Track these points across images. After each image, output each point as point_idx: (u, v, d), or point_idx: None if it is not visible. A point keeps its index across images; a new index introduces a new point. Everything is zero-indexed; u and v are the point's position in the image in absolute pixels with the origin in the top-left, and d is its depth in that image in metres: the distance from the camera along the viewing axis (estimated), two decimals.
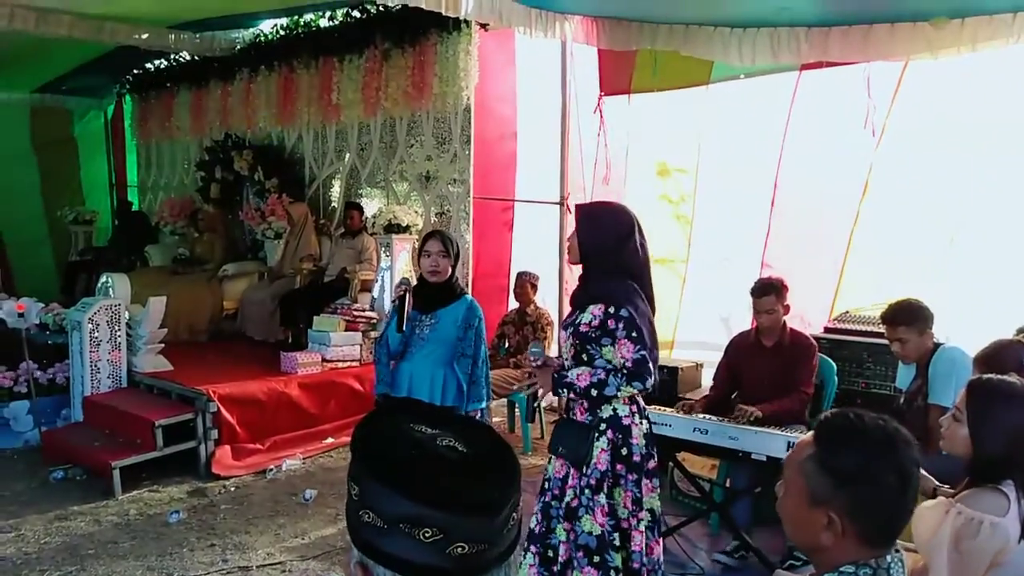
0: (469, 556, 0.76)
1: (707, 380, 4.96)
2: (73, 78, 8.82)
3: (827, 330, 4.39)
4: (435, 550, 0.75)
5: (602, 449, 2.58)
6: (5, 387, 5.32)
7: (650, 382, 2.57)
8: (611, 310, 2.54)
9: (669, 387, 4.75)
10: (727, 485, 3.91)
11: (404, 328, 3.23)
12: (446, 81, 5.90)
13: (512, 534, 0.82)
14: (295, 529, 4.05)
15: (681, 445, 3.56)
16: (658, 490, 2.70)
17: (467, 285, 5.76)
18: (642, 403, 2.69)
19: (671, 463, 3.95)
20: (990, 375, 2.06)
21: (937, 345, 3.37)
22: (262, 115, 7.63)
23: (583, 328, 2.59)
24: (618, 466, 2.59)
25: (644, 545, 2.59)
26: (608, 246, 2.62)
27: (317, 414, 5.42)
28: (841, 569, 1.24)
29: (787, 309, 3.74)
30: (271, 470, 4.86)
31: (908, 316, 3.36)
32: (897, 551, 1.26)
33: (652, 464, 2.68)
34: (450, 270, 3.27)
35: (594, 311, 2.57)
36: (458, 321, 3.25)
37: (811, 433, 1.30)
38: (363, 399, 5.55)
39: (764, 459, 3.23)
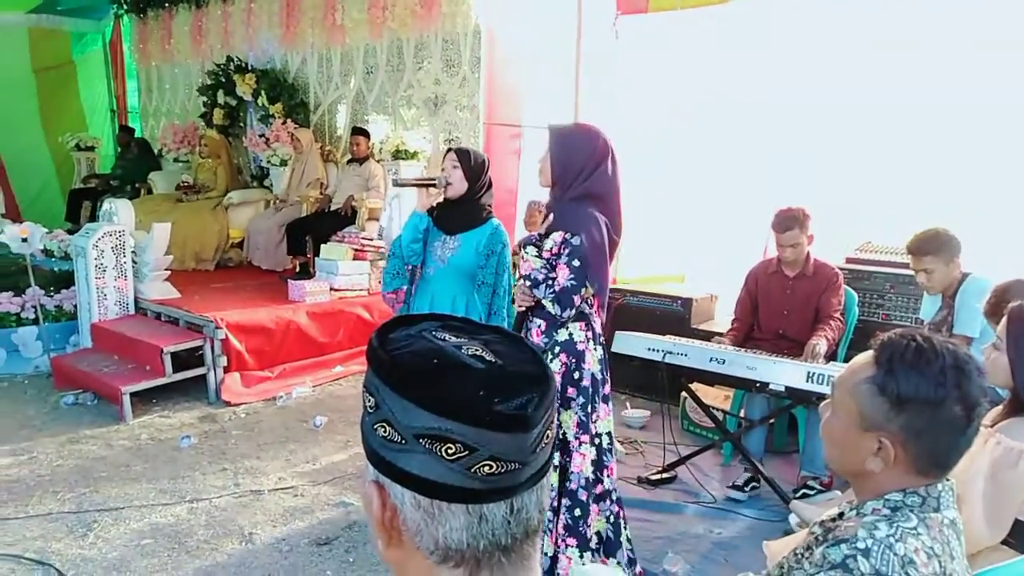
0: (497, 476, 0.68)
1: (720, 312, 4.89)
2: None
3: (849, 260, 4.27)
4: (459, 468, 0.67)
5: (555, 371, 2.54)
6: (12, 313, 5.28)
7: (567, 313, 2.52)
8: (567, 236, 2.51)
9: (683, 318, 4.69)
10: (741, 415, 3.87)
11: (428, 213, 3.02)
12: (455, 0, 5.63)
13: (545, 455, 0.73)
14: (306, 455, 4.06)
15: (697, 375, 3.50)
16: (612, 414, 2.72)
17: None
18: (598, 329, 2.66)
19: (685, 393, 3.91)
20: None
21: (965, 275, 3.25)
22: (264, 37, 7.37)
23: (545, 255, 2.57)
24: (569, 389, 2.59)
25: (585, 467, 2.61)
26: (580, 168, 2.54)
27: (326, 343, 5.39)
28: (887, 496, 1.16)
29: (811, 239, 3.61)
30: (281, 397, 4.86)
31: (935, 246, 3.23)
32: (948, 479, 1.18)
33: (607, 388, 2.68)
34: (466, 184, 3.05)
35: (555, 238, 2.55)
36: (480, 247, 3.05)
37: (869, 353, 1.20)
38: (372, 328, 5.50)
39: (782, 389, 3.17)
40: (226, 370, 4.86)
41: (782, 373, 3.17)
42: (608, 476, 2.67)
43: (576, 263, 2.48)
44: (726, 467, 3.99)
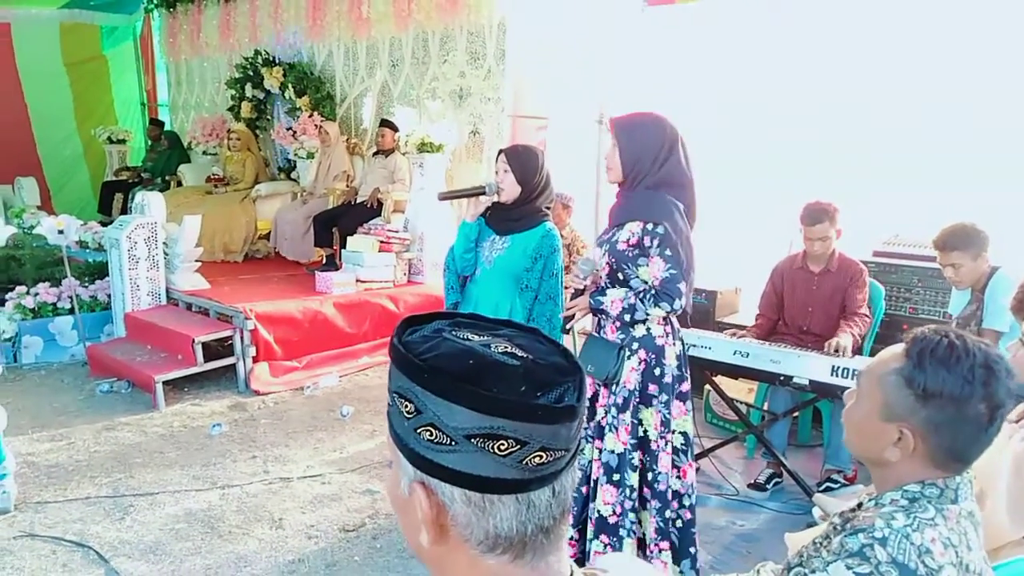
0: (545, 464, 0.72)
1: (745, 304, 4.87)
2: None
3: (876, 254, 4.23)
4: (511, 462, 0.70)
5: (632, 368, 2.49)
6: (49, 303, 5.43)
7: (678, 303, 2.41)
8: (648, 226, 2.42)
9: (707, 311, 4.69)
10: (765, 409, 3.87)
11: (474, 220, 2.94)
12: None
13: (579, 436, 0.77)
14: (333, 443, 4.13)
15: (721, 368, 3.51)
16: (691, 413, 2.61)
17: None
18: (676, 323, 2.58)
19: (708, 386, 3.92)
20: None
21: (994, 269, 3.22)
22: (291, 30, 7.45)
23: (620, 246, 2.47)
24: (650, 386, 2.49)
25: (671, 467, 2.52)
26: (650, 157, 2.45)
27: (352, 334, 5.46)
28: (906, 487, 1.19)
29: (839, 233, 3.59)
30: (308, 387, 4.94)
31: (962, 240, 3.19)
32: (967, 472, 1.20)
33: (685, 386, 2.57)
34: (518, 188, 2.90)
35: (632, 228, 2.45)
36: (528, 250, 2.91)
37: (900, 346, 1.22)
38: (398, 320, 5.56)
39: (806, 383, 3.17)
40: (255, 360, 4.96)
41: (806, 366, 3.17)
42: (681, 478, 2.55)
43: (669, 252, 2.38)
44: (749, 460, 4.00)
